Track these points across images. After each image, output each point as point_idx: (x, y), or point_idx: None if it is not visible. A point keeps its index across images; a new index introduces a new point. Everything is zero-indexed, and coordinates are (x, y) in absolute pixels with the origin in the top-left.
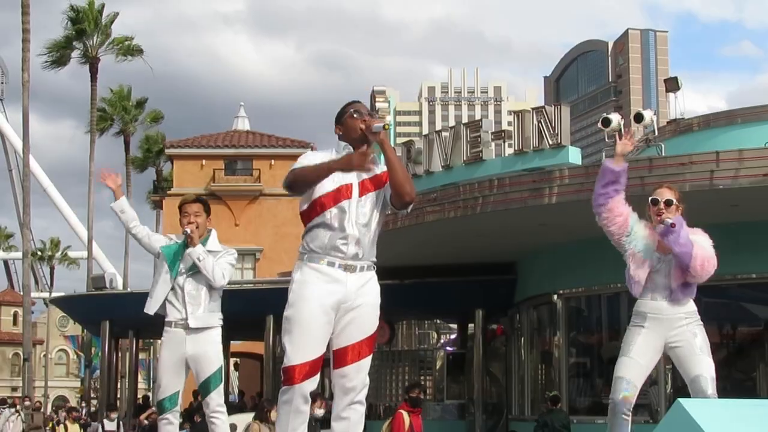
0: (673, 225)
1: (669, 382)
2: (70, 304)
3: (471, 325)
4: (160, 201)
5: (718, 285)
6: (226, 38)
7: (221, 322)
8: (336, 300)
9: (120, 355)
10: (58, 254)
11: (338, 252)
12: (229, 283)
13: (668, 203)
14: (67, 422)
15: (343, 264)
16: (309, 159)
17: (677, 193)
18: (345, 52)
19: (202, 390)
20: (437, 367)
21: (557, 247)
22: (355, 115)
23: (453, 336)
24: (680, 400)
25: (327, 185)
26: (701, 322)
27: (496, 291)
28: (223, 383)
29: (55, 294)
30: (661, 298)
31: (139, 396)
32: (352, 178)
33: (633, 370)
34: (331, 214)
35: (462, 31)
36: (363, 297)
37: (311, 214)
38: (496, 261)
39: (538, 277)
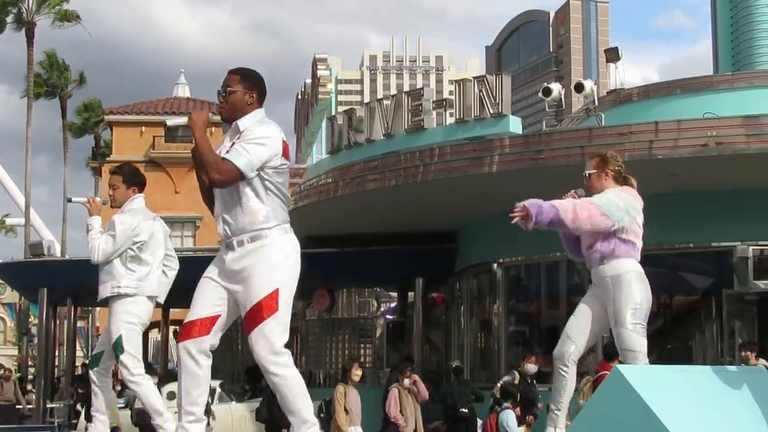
0: (526, 221)
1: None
2: (7, 271)
3: (411, 294)
4: (99, 168)
5: (657, 254)
6: (160, 3)
7: (129, 290)
8: (220, 276)
9: (58, 322)
10: None
11: (219, 234)
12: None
13: (588, 177)
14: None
15: (224, 243)
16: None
17: (597, 160)
18: (280, 19)
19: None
20: (377, 335)
21: (498, 216)
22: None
23: (393, 304)
24: (618, 366)
25: None
26: (629, 285)
27: (437, 259)
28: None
29: None
30: (589, 264)
31: (77, 364)
32: None
33: (574, 326)
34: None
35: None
36: (243, 271)
37: None
38: (437, 229)
39: (479, 246)
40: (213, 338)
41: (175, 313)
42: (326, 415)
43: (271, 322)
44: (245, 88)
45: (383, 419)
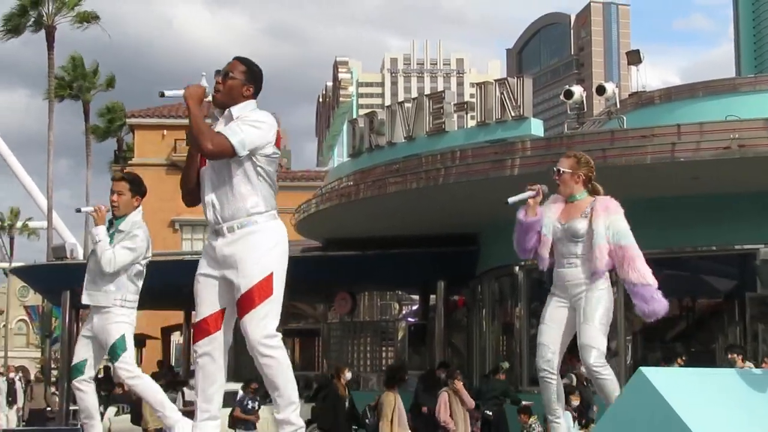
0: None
1: (629, 354)
2: (30, 274)
3: (432, 296)
4: (121, 171)
5: (679, 257)
6: (179, 7)
7: (129, 304)
8: (212, 267)
9: (80, 325)
10: (18, 224)
11: (208, 221)
12: (190, 254)
13: (558, 172)
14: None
15: (212, 229)
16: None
17: (573, 160)
18: (298, 22)
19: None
20: (398, 338)
21: None
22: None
23: (415, 307)
24: (642, 368)
25: None
26: (604, 287)
27: (458, 262)
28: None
29: (15, 264)
30: (561, 266)
31: (99, 367)
32: None
33: (547, 335)
34: (200, 186)
35: (416, 3)
36: (234, 256)
37: None
38: (458, 232)
39: (500, 249)
40: (227, 334)
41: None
42: (373, 419)
43: (265, 306)
44: (246, 79)
45: (432, 423)
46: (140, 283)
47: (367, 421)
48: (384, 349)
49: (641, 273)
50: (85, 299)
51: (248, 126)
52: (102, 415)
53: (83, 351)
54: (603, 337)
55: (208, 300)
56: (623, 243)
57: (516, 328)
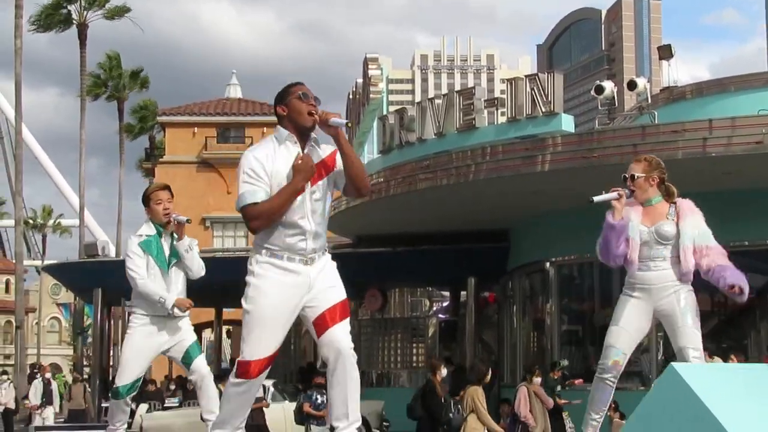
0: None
1: (660, 350)
2: (62, 272)
3: (463, 293)
4: (152, 169)
5: None
6: (207, 6)
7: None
8: (298, 294)
9: (112, 322)
10: (50, 222)
11: (298, 250)
12: (221, 251)
13: (633, 178)
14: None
15: (303, 259)
16: (257, 170)
17: (645, 164)
18: (326, 20)
19: (187, 360)
20: (429, 334)
21: (550, 215)
22: (302, 98)
23: (445, 304)
24: (673, 364)
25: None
26: (691, 288)
27: (489, 259)
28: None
29: (47, 262)
30: (647, 269)
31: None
32: None
33: (622, 338)
34: (288, 212)
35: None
36: (324, 280)
37: None
38: (489, 228)
39: (531, 245)
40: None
41: (227, 313)
42: (458, 414)
43: (349, 322)
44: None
45: (511, 418)
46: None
47: (451, 415)
48: (414, 346)
49: (727, 259)
50: (180, 312)
51: None
52: (133, 412)
53: (140, 369)
54: (699, 338)
55: (278, 334)
56: (711, 244)
57: (547, 325)
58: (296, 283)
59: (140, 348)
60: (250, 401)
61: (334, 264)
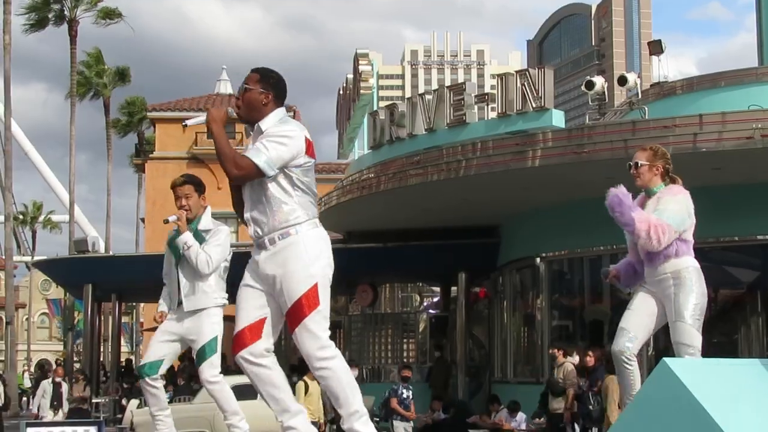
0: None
1: (651, 345)
2: (52, 268)
3: (454, 288)
4: (142, 164)
5: (701, 248)
6: (193, 2)
7: (222, 301)
8: (256, 280)
9: (103, 318)
10: (41, 218)
11: (251, 237)
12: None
13: (636, 166)
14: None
15: (255, 244)
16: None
17: (649, 152)
18: (314, 14)
19: (197, 363)
20: (420, 330)
21: (540, 211)
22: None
23: (436, 299)
24: (665, 359)
25: None
26: (693, 276)
27: (479, 254)
28: (217, 353)
29: (37, 258)
30: (645, 264)
31: (122, 360)
32: None
33: (632, 320)
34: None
35: None
36: (278, 269)
37: None
38: (480, 224)
39: (521, 240)
40: (266, 342)
41: (229, 309)
42: (597, 406)
43: (314, 316)
44: (262, 87)
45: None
46: (225, 280)
47: (590, 407)
48: (405, 341)
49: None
50: (188, 306)
51: (274, 143)
52: (124, 407)
53: (162, 350)
54: (695, 333)
55: (248, 309)
56: (661, 217)
57: (537, 320)
58: (252, 268)
59: (163, 330)
60: (260, 380)
61: (295, 251)
